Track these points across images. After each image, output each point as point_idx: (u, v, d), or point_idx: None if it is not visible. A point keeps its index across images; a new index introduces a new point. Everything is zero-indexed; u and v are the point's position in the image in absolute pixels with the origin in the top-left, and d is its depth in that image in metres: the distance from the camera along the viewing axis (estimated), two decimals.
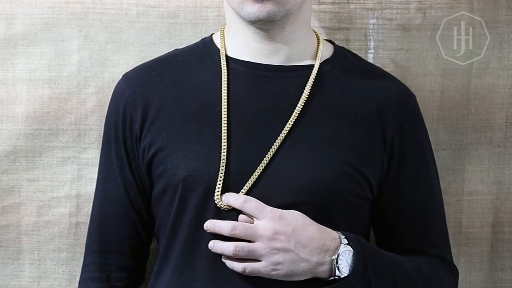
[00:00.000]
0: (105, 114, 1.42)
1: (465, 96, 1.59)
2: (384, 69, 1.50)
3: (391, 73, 1.48)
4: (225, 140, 1.30)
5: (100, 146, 1.43)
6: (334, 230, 1.29)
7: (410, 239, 1.39)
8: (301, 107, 1.32)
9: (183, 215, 1.32)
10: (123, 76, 1.41)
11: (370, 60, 1.58)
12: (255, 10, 1.28)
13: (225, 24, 1.40)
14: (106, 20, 1.57)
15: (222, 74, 1.34)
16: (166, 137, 1.32)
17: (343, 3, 1.58)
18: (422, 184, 1.39)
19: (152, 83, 1.37)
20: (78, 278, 1.44)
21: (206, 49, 1.40)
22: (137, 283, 1.43)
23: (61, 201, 1.58)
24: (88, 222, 1.43)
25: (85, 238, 1.43)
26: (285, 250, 1.26)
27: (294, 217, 1.28)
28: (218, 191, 1.29)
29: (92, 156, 1.56)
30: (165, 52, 1.45)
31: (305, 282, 1.28)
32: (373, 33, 1.58)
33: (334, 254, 1.27)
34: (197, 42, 1.43)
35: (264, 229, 1.26)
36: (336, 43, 1.46)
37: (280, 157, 1.30)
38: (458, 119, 1.59)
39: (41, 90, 1.57)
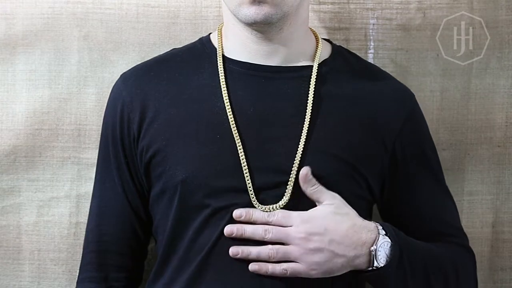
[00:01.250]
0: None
1: (465, 96, 1.59)
2: (384, 69, 1.50)
3: (391, 73, 1.48)
4: (239, 143, 1.30)
5: None
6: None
7: (426, 234, 1.39)
8: (311, 109, 1.32)
9: (184, 216, 1.32)
10: (121, 76, 1.41)
11: (370, 60, 1.58)
12: (252, 12, 1.28)
13: (223, 23, 1.40)
14: (106, 20, 1.57)
15: (220, 76, 1.34)
16: (165, 138, 1.32)
17: (343, 3, 1.58)
18: (428, 180, 1.40)
19: (150, 84, 1.36)
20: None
21: (204, 49, 1.39)
22: (135, 283, 1.43)
23: (61, 201, 1.58)
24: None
25: (84, 238, 1.43)
26: (320, 250, 1.26)
27: (325, 215, 1.28)
28: (252, 196, 1.28)
29: (92, 156, 1.56)
30: (163, 52, 1.45)
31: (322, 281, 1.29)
32: (373, 33, 1.58)
33: (372, 246, 1.28)
34: (194, 42, 1.43)
35: (296, 232, 1.27)
36: (336, 43, 1.46)
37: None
38: (458, 119, 1.59)
39: (41, 90, 1.57)
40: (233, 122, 1.31)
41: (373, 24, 1.58)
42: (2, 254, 1.59)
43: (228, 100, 1.32)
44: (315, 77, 1.35)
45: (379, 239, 1.28)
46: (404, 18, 1.58)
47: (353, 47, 1.56)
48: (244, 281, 1.29)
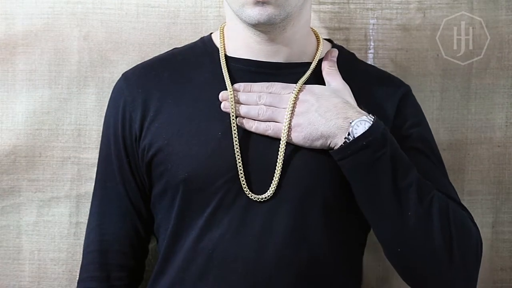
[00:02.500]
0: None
1: (465, 96, 1.59)
2: (384, 69, 1.50)
3: (391, 73, 1.48)
4: (236, 137, 1.30)
5: None
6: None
7: None
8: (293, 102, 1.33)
9: (186, 215, 1.32)
10: (122, 75, 1.41)
11: (370, 60, 1.58)
12: (255, 13, 1.28)
13: (225, 23, 1.40)
14: (106, 20, 1.57)
15: (222, 74, 1.34)
16: (166, 137, 1.32)
17: (343, 3, 1.58)
18: (427, 166, 1.37)
19: (151, 83, 1.36)
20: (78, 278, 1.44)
21: (206, 48, 1.39)
22: (137, 282, 1.43)
23: (61, 201, 1.58)
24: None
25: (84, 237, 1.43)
26: (306, 113, 1.28)
27: (324, 89, 1.31)
28: (244, 184, 1.29)
29: (92, 156, 1.56)
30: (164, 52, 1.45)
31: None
32: (373, 33, 1.58)
33: (352, 120, 1.26)
34: (196, 41, 1.43)
35: (289, 97, 1.30)
36: (336, 43, 1.46)
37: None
38: (458, 119, 1.59)
39: (41, 90, 1.57)
40: (234, 120, 1.31)
41: (373, 24, 1.58)
42: (2, 254, 1.59)
43: (230, 98, 1.32)
44: (310, 72, 1.35)
45: (362, 118, 1.27)
46: (404, 18, 1.58)
47: (353, 47, 1.56)
48: (248, 280, 1.29)
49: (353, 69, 1.40)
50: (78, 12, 1.57)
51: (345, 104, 1.29)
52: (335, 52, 1.35)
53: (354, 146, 1.26)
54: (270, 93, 1.31)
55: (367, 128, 1.26)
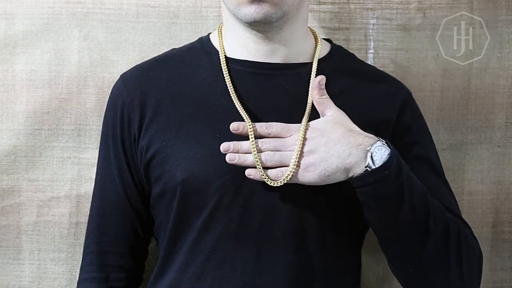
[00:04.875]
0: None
1: (465, 96, 1.59)
2: (384, 69, 1.50)
3: (391, 73, 1.48)
4: (252, 137, 1.28)
5: None
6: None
7: None
8: (310, 106, 1.32)
9: (185, 217, 1.32)
10: (120, 76, 1.41)
11: (370, 60, 1.58)
12: (251, 11, 1.27)
13: (223, 23, 1.40)
14: (106, 20, 1.57)
15: (221, 75, 1.34)
16: (165, 139, 1.32)
17: (343, 3, 1.58)
18: (426, 172, 1.37)
19: (150, 84, 1.36)
20: (77, 278, 1.44)
21: (204, 49, 1.39)
22: (136, 283, 1.43)
23: (61, 201, 1.58)
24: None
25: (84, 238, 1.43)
26: (315, 151, 1.25)
27: (324, 122, 1.27)
28: (261, 171, 1.26)
29: (92, 156, 1.56)
30: (162, 52, 1.45)
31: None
32: (373, 33, 1.58)
33: (367, 147, 1.24)
34: (194, 42, 1.43)
35: (293, 139, 1.26)
36: (336, 43, 1.46)
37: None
38: (458, 119, 1.59)
39: (41, 90, 1.57)
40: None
41: (373, 24, 1.58)
42: (2, 254, 1.59)
43: (229, 99, 1.32)
44: (314, 74, 1.35)
45: (377, 143, 1.25)
46: (404, 18, 1.58)
47: (353, 47, 1.56)
48: (246, 280, 1.29)
49: (352, 69, 1.40)
50: (78, 12, 1.57)
51: (351, 132, 1.26)
52: (323, 79, 1.30)
53: (377, 175, 1.23)
54: (269, 135, 1.28)
55: (387, 155, 1.24)
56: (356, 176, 1.25)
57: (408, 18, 1.58)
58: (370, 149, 1.24)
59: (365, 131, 1.30)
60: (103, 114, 1.42)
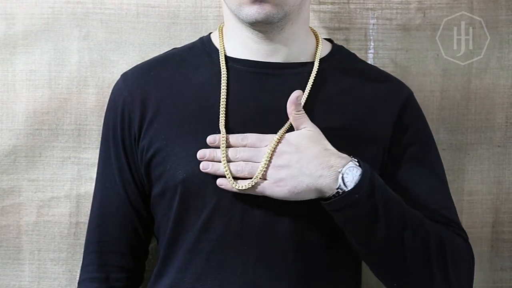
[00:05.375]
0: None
1: (465, 96, 1.59)
2: (384, 69, 1.50)
3: (391, 73, 1.48)
4: (224, 137, 1.29)
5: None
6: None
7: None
8: (303, 104, 1.32)
9: (185, 217, 1.32)
10: (121, 76, 1.41)
11: (370, 60, 1.58)
12: (253, 11, 1.27)
13: (224, 23, 1.40)
14: (106, 20, 1.57)
15: (222, 74, 1.34)
16: (165, 138, 1.32)
17: (343, 3, 1.58)
18: (425, 174, 1.37)
19: (150, 83, 1.36)
20: (78, 278, 1.44)
21: (205, 48, 1.39)
22: (137, 283, 1.43)
23: (61, 201, 1.58)
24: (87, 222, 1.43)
25: (85, 238, 1.43)
26: (287, 167, 1.25)
27: (299, 136, 1.27)
28: (231, 180, 1.26)
29: (92, 156, 1.56)
30: (163, 52, 1.45)
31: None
32: (373, 33, 1.58)
33: (339, 169, 1.23)
34: (195, 41, 1.43)
35: (266, 150, 1.26)
36: (336, 43, 1.46)
37: None
38: (458, 119, 1.59)
39: (41, 90, 1.57)
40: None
41: (373, 24, 1.58)
42: (2, 254, 1.59)
43: (226, 99, 1.32)
44: (315, 73, 1.35)
45: (349, 164, 1.24)
46: (404, 18, 1.58)
47: (353, 47, 1.56)
48: (247, 280, 1.29)
49: (353, 68, 1.40)
50: (78, 12, 1.57)
51: (326, 152, 1.25)
52: (300, 95, 1.28)
53: (347, 199, 1.23)
54: (245, 146, 1.28)
55: (358, 177, 1.23)
56: (328, 201, 1.25)
57: (408, 18, 1.58)
58: (341, 170, 1.24)
59: (365, 131, 1.30)
60: (103, 114, 1.42)
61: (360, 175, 1.23)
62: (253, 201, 1.29)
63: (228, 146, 1.28)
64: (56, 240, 1.58)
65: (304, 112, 1.28)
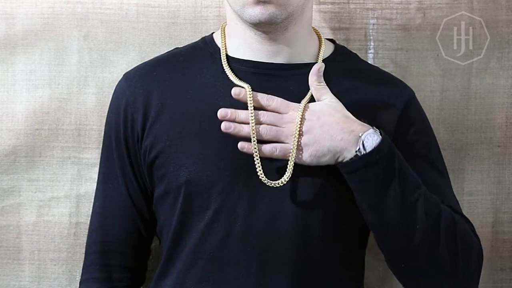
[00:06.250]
0: (105, 114, 1.41)
1: (465, 96, 1.59)
2: (384, 69, 1.50)
3: (391, 73, 1.48)
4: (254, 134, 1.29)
5: (100, 146, 1.43)
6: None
7: None
8: (311, 93, 1.32)
9: (188, 218, 1.31)
10: (123, 75, 1.40)
11: (370, 60, 1.58)
12: (256, 12, 1.27)
13: (226, 23, 1.39)
14: (106, 20, 1.57)
15: (224, 74, 1.34)
16: (168, 139, 1.32)
17: (343, 3, 1.58)
18: (428, 171, 1.36)
19: (153, 83, 1.36)
20: (78, 278, 1.44)
21: (207, 48, 1.39)
22: (139, 283, 1.43)
23: (61, 201, 1.58)
24: (88, 222, 1.43)
25: (85, 238, 1.43)
26: (310, 132, 1.27)
27: (322, 105, 1.29)
28: (261, 173, 1.27)
29: (92, 156, 1.56)
30: (165, 52, 1.44)
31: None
32: (373, 33, 1.58)
33: (359, 133, 1.26)
34: (197, 41, 1.43)
35: (290, 116, 1.27)
36: (338, 43, 1.46)
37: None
38: (458, 119, 1.59)
39: (41, 90, 1.57)
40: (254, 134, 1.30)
41: (373, 24, 1.58)
42: (2, 254, 1.59)
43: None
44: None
45: (369, 131, 1.26)
46: (404, 18, 1.58)
47: (353, 47, 1.56)
48: (250, 281, 1.29)
49: (355, 69, 1.40)
50: (78, 12, 1.57)
51: (347, 118, 1.28)
52: (322, 66, 1.32)
53: (366, 159, 1.25)
54: (269, 107, 1.29)
55: (378, 141, 1.25)
56: (346, 161, 1.26)
57: (408, 18, 1.58)
58: (361, 135, 1.26)
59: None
60: (104, 114, 1.42)
61: (380, 141, 1.25)
62: (255, 202, 1.29)
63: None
64: (56, 240, 1.58)
65: (325, 83, 1.30)
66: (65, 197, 1.58)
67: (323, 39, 1.40)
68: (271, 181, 1.27)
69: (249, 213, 1.29)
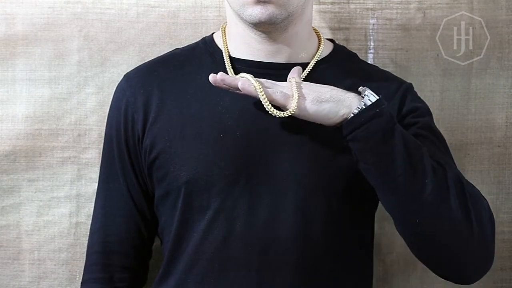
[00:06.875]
0: (105, 114, 1.41)
1: (465, 96, 1.59)
2: (384, 69, 1.49)
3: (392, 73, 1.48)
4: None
5: (100, 146, 1.43)
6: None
7: None
8: None
9: (189, 218, 1.31)
10: (124, 76, 1.40)
11: (370, 60, 1.58)
12: (256, 12, 1.27)
13: (226, 23, 1.39)
14: (106, 20, 1.57)
15: (229, 74, 1.33)
16: (168, 139, 1.32)
17: (343, 3, 1.58)
18: (430, 146, 1.32)
19: (153, 83, 1.36)
20: (78, 278, 1.44)
21: (207, 48, 1.39)
22: (140, 283, 1.43)
23: (61, 201, 1.58)
24: (90, 222, 1.42)
25: (85, 238, 1.43)
26: (308, 87, 1.27)
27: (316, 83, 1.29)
28: (265, 101, 1.25)
29: (92, 156, 1.56)
30: (165, 52, 1.44)
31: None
32: (373, 33, 1.59)
33: (359, 92, 1.26)
34: (197, 42, 1.43)
35: (286, 83, 1.28)
36: (337, 43, 1.46)
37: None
38: (458, 119, 1.59)
39: (41, 90, 1.57)
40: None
41: (373, 24, 1.58)
42: (2, 254, 1.59)
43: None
44: (307, 73, 1.34)
45: (368, 91, 1.26)
46: (404, 18, 1.58)
47: (353, 47, 1.56)
48: (251, 281, 1.29)
49: (355, 68, 1.40)
50: (78, 12, 1.57)
51: (343, 90, 1.28)
52: (299, 68, 1.33)
53: (371, 111, 1.23)
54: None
55: (378, 97, 1.24)
56: (350, 118, 1.24)
57: (408, 18, 1.58)
58: (361, 92, 1.26)
59: None
60: (104, 114, 1.42)
61: (379, 98, 1.24)
62: (256, 202, 1.29)
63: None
64: (56, 240, 1.58)
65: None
66: (65, 197, 1.58)
67: (322, 39, 1.40)
68: (278, 111, 1.25)
69: (249, 213, 1.29)
